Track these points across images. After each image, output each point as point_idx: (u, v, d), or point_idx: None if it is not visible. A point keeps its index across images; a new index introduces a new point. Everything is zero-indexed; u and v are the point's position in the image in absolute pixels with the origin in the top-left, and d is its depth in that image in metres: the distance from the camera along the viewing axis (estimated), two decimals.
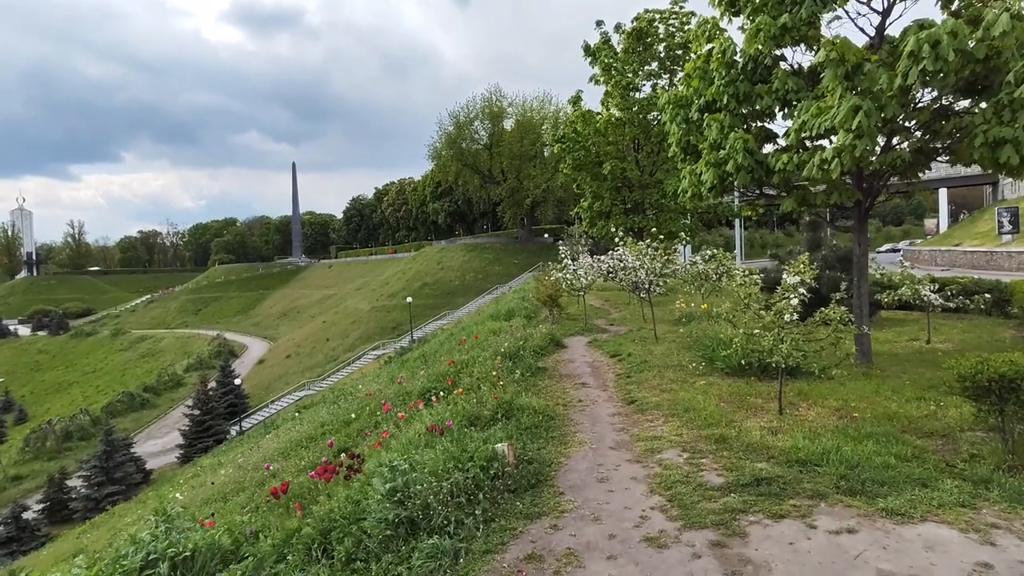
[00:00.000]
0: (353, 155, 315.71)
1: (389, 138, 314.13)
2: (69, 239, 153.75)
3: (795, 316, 6.61)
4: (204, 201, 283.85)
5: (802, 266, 6.54)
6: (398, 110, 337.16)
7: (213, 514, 11.19)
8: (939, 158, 9.76)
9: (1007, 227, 33.61)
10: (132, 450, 35.88)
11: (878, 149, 9.20)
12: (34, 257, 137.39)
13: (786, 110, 10.50)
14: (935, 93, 9.32)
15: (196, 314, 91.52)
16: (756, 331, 7.00)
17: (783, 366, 6.78)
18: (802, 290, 6.46)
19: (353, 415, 14.16)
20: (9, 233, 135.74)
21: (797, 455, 5.58)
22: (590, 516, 4.86)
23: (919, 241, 54.91)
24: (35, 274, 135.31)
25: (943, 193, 54.24)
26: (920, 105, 9.00)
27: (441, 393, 10.72)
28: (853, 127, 7.55)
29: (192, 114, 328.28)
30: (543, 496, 5.27)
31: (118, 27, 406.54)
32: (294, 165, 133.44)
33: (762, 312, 6.78)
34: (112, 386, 60.69)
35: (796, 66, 10.75)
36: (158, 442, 43.39)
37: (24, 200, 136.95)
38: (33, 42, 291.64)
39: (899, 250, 45.38)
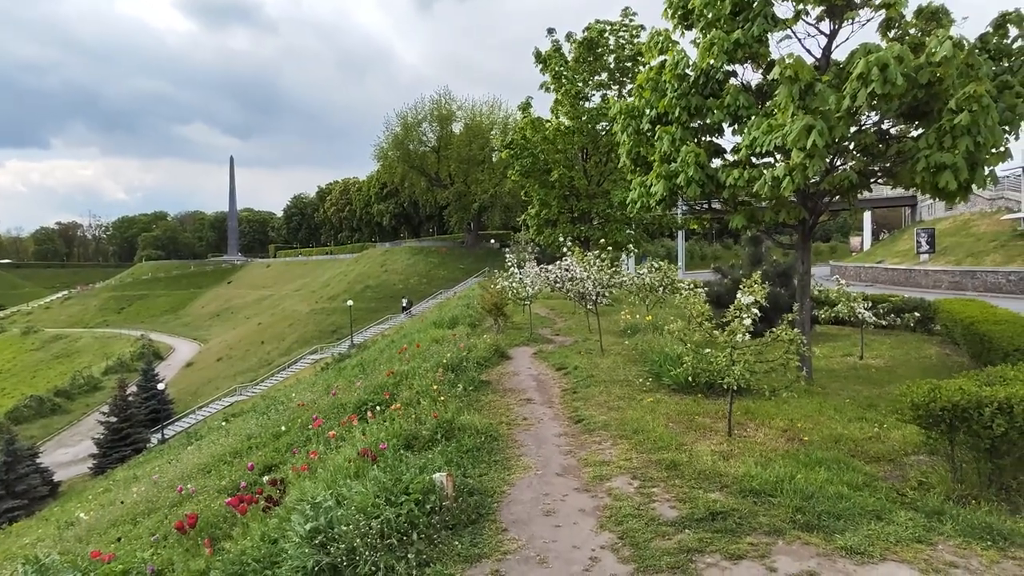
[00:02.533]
0: (303, 153, 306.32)
1: (341, 137, 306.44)
2: None
3: (747, 336, 6.43)
4: (140, 194, 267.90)
5: (755, 285, 6.37)
6: (352, 109, 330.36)
7: (120, 538, 10.18)
8: (879, 181, 9.96)
9: (924, 247, 35.73)
10: (38, 460, 32.99)
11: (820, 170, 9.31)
12: None
13: (736, 126, 10.50)
14: (876, 117, 9.52)
15: (119, 312, 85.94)
16: (708, 351, 6.79)
17: (734, 388, 6.59)
18: (755, 310, 6.29)
19: (283, 428, 13.29)
20: None
21: (751, 484, 5.34)
22: (535, 558, 4.42)
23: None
24: None
25: (867, 214, 57.47)
26: (863, 128, 9.12)
27: (378, 408, 10.11)
28: (807, 146, 7.49)
29: (133, 101, 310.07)
30: (485, 534, 4.80)
31: (55, 6, 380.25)
32: (232, 159, 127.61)
33: (715, 332, 6.57)
34: (20, 389, 55.94)
35: (746, 83, 10.80)
36: (69, 451, 40.19)
37: None
38: None
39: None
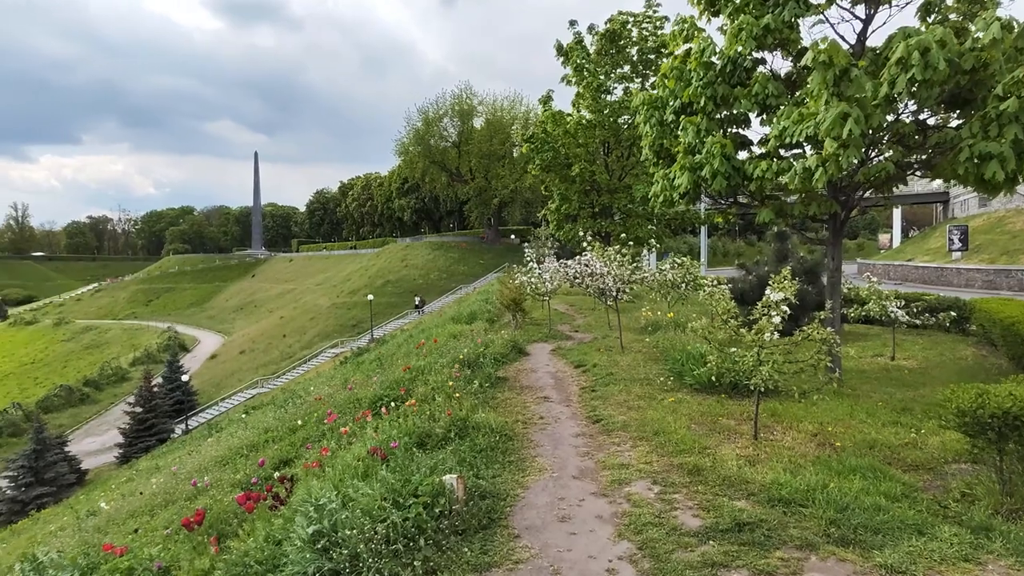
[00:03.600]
0: (325, 149, 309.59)
1: (362, 133, 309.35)
2: (11, 222, 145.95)
3: (775, 335, 6.09)
4: (168, 189, 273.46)
5: (785, 282, 6.02)
6: (373, 105, 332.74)
7: (137, 530, 10.21)
8: (916, 173, 9.47)
9: (957, 244, 34.62)
10: (67, 449, 33.69)
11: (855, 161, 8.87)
12: None
13: (764, 116, 10.09)
14: (915, 106, 9.03)
15: (147, 305, 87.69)
16: (733, 350, 6.46)
17: (761, 389, 6.25)
18: (784, 307, 5.94)
19: (299, 422, 13.24)
20: None
21: (780, 492, 5.02)
22: (549, 568, 4.17)
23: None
24: None
25: (897, 210, 55.91)
26: (900, 116, 8.64)
27: (393, 404, 9.95)
28: (842, 135, 7.08)
29: (161, 98, 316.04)
30: (496, 540, 4.56)
31: (85, 4, 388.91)
32: (256, 155, 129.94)
33: (742, 331, 6.23)
34: (52, 378, 57.33)
35: (775, 72, 10.37)
36: (97, 440, 41.03)
37: None
38: None
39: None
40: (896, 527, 4.47)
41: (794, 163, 8.74)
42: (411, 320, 43.59)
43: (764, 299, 6.01)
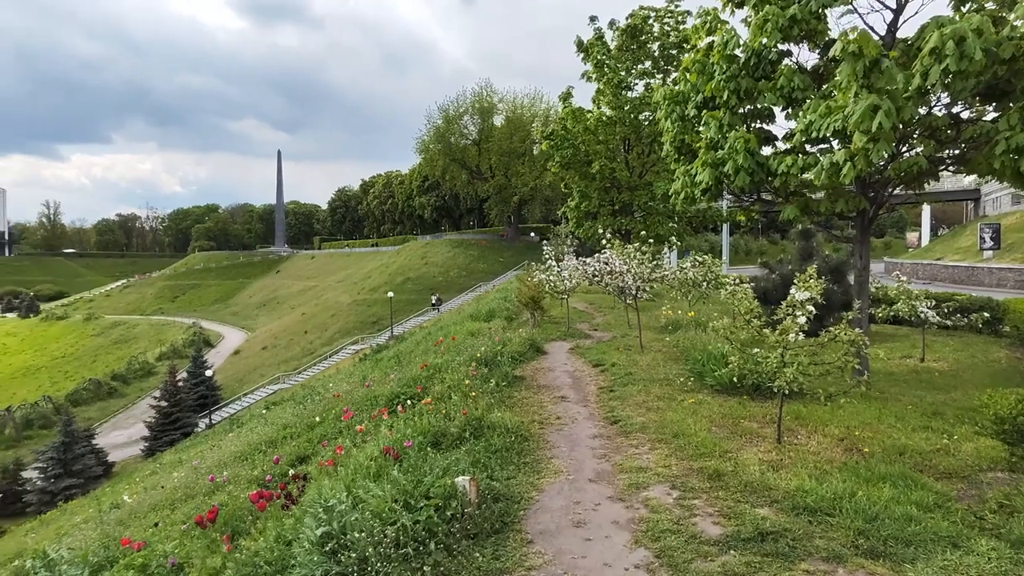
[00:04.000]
0: (346, 146, 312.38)
1: (384, 131, 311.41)
2: (44, 219, 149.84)
3: (800, 335, 5.87)
4: (195, 187, 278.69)
5: (811, 280, 5.79)
6: (394, 103, 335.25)
7: (157, 523, 10.32)
8: (949, 168, 9.10)
9: (988, 243, 33.65)
10: (94, 441, 34.47)
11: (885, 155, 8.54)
12: (6, 237, 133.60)
13: (790, 110, 9.80)
14: (948, 99, 8.68)
15: (173, 301, 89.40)
16: (756, 351, 6.25)
17: (785, 391, 6.03)
18: (811, 307, 5.71)
19: (318, 418, 13.30)
20: None
21: (805, 500, 4.82)
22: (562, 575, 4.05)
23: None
24: (7, 254, 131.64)
25: (926, 208, 54.51)
26: (933, 108, 8.31)
27: (409, 402, 9.90)
28: (873, 128, 6.80)
29: (186, 97, 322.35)
30: (508, 545, 4.44)
31: (112, 5, 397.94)
32: (279, 153, 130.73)
33: (766, 331, 6.02)
34: (82, 372, 58.68)
35: (800, 65, 10.06)
36: (123, 433, 41.90)
37: None
38: (22, 17, 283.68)
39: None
40: (929, 539, 4.25)
41: (820, 158, 8.48)
42: (430, 318, 43.71)
43: (789, 298, 5.79)
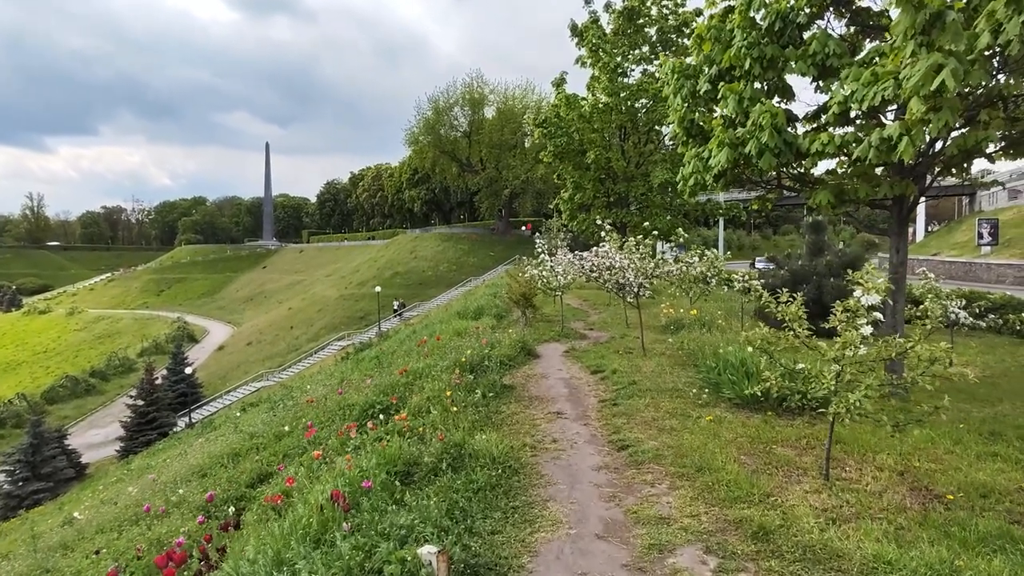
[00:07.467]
0: (339, 140, 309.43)
1: (376, 125, 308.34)
2: (27, 211, 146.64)
3: (861, 349, 4.63)
4: (184, 180, 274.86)
5: (878, 282, 4.56)
6: (386, 97, 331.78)
7: (99, 551, 9.01)
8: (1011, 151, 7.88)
9: (987, 238, 32.85)
10: (67, 442, 32.92)
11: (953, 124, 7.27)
12: None
13: (820, 82, 8.57)
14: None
15: (158, 295, 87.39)
16: (802, 366, 5.03)
17: (843, 420, 4.79)
18: (877, 314, 4.48)
19: (286, 427, 12.03)
20: None
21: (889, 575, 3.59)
22: None
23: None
24: None
25: (921, 203, 53.73)
26: (999, 74, 7.08)
27: (381, 416, 8.64)
28: (933, 88, 5.54)
29: (178, 90, 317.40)
30: None
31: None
32: (267, 145, 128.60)
33: (819, 343, 4.78)
34: (63, 368, 56.76)
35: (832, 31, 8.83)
36: (101, 432, 40.31)
37: None
38: (11, 8, 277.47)
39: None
40: None
41: (860, 135, 7.24)
42: (421, 312, 42.33)
43: (850, 302, 4.55)
